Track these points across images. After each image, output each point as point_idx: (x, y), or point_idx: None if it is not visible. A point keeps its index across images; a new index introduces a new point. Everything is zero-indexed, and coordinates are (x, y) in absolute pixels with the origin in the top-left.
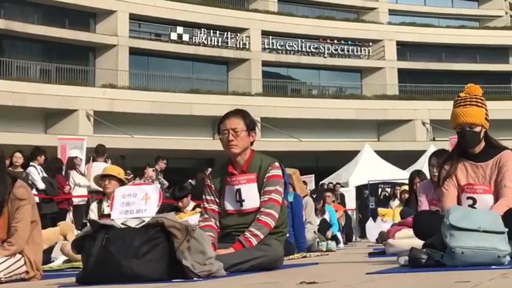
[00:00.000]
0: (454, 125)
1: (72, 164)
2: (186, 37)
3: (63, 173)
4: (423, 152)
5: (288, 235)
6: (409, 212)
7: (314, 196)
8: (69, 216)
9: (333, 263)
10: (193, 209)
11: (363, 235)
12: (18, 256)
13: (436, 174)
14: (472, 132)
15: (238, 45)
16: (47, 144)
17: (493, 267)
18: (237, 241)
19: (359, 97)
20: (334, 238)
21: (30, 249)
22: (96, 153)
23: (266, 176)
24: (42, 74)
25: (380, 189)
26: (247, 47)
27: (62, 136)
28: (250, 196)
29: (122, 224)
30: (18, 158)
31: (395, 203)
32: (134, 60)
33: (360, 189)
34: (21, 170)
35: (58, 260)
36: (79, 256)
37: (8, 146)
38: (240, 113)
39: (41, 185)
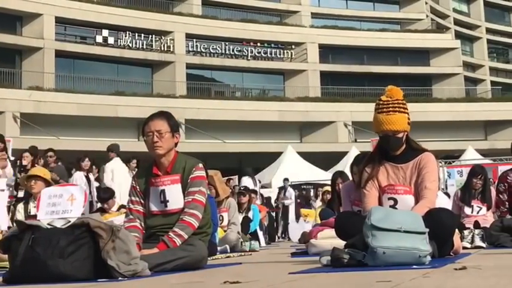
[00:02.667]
0: (377, 130)
1: None
2: (111, 40)
3: None
4: (345, 153)
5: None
6: (328, 212)
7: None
8: None
9: (256, 262)
10: (118, 209)
11: (284, 235)
12: None
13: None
14: (396, 138)
15: (162, 48)
16: None
17: (414, 266)
18: (161, 241)
19: (282, 99)
20: (255, 236)
21: None
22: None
23: (190, 177)
24: None
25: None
26: (171, 49)
27: None
28: (174, 197)
29: (48, 224)
30: None
31: (318, 203)
32: (60, 62)
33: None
34: None
35: None
36: (6, 256)
37: None
38: (164, 115)
39: None
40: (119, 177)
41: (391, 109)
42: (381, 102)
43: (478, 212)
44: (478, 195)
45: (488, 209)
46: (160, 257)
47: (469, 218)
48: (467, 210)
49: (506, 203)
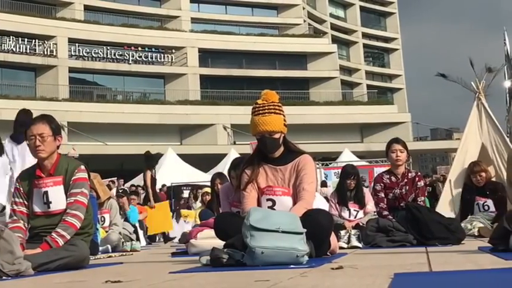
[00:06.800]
0: (254, 132)
1: None
2: None
3: None
4: (224, 155)
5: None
6: (207, 213)
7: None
8: None
9: (137, 262)
10: (1, 211)
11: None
12: None
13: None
14: (272, 139)
15: (45, 52)
16: None
17: (292, 266)
18: (45, 242)
19: (162, 102)
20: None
21: None
22: None
23: (72, 178)
24: None
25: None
26: (54, 54)
27: None
28: (57, 198)
29: None
30: None
31: (198, 204)
32: None
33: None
34: None
35: None
36: None
37: None
38: (46, 119)
39: None
40: None
41: (266, 111)
42: (257, 105)
43: (355, 216)
44: (353, 197)
45: (362, 210)
46: (44, 256)
47: (349, 222)
48: (344, 214)
49: (385, 199)
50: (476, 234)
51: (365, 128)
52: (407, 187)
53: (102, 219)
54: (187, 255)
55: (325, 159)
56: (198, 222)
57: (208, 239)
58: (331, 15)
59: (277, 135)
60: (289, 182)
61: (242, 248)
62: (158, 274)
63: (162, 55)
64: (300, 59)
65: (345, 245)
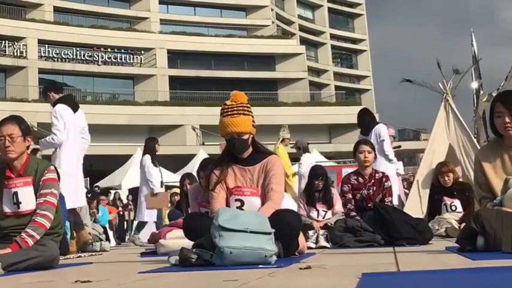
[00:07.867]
0: (223, 133)
1: None
2: None
3: None
4: (193, 155)
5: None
6: (176, 213)
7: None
8: None
9: (107, 262)
10: None
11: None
12: None
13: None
14: (241, 140)
15: (15, 53)
16: None
17: (260, 266)
18: (14, 242)
19: (131, 103)
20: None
21: None
22: None
23: (42, 179)
24: None
25: None
26: (24, 55)
27: None
28: (27, 198)
29: None
30: None
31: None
32: None
33: (132, 191)
34: None
35: None
36: None
37: None
38: (15, 119)
39: None
40: None
41: (235, 112)
42: (226, 106)
43: (323, 216)
44: (321, 197)
45: (331, 211)
46: (13, 256)
47: (317, 223)
48: (313, 214)
49: (353, 200)
50: (443, 234)
51: (333, 129)
52: (374, 188)
53: None
54: (156, 255)
55: (294, 159)
56: (167, 222)
57: (177, 239)
58: (300, 17)
59: (245, 136)
60: (257, 182)
61: (211, 248)
62: (127, 274)
63: (131, 56)
64: (268, 60)
65: (313, 245)
